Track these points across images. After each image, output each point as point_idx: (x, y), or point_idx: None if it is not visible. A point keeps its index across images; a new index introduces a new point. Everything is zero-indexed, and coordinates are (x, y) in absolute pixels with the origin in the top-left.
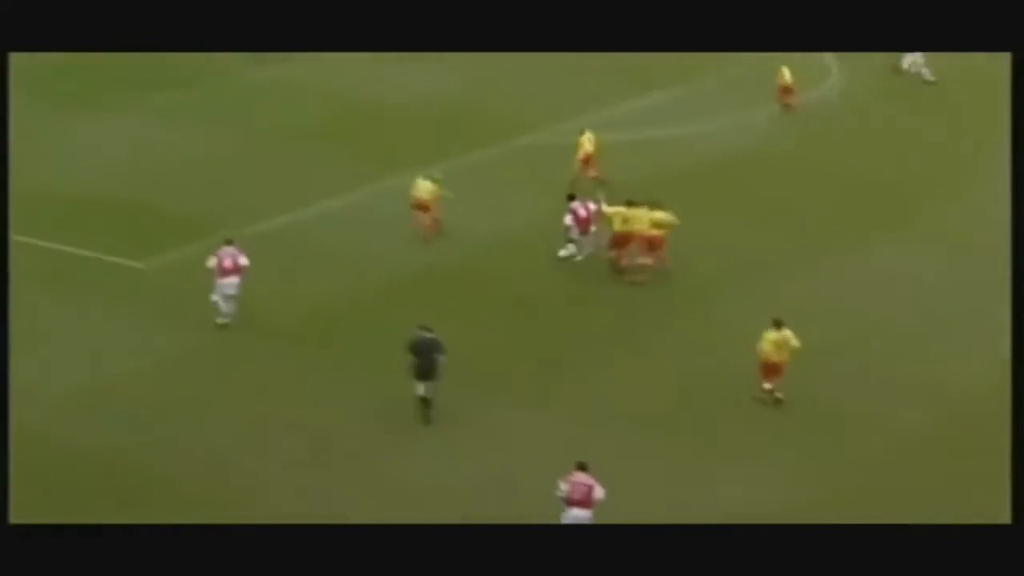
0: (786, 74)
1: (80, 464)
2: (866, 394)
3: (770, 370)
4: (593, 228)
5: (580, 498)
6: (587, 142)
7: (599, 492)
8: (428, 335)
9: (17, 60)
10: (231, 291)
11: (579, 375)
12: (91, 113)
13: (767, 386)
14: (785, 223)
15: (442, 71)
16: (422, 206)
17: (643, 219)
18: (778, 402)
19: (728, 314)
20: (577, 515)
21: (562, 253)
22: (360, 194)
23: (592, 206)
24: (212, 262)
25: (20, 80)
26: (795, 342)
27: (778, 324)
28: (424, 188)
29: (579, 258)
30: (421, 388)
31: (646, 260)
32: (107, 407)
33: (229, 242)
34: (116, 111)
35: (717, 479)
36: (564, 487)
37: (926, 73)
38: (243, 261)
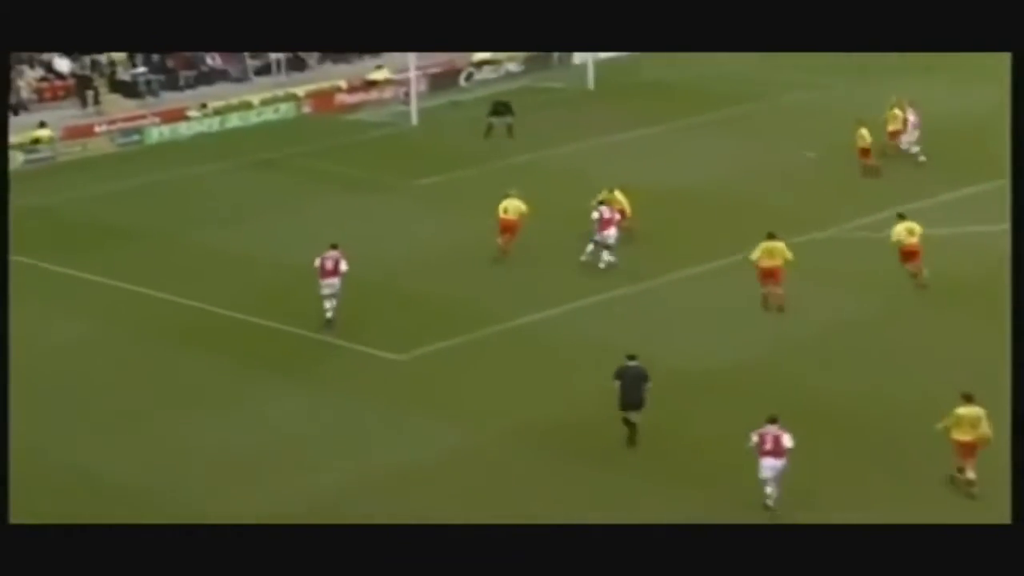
0: (865, 135)
1: None
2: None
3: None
4: (611, 231)
5: (771, 448)
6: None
7: (787, 440)
8: (634, 364)
9: None
10: (328, 291)
11: None
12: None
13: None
14: None
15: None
16: (511, 227)
17: (783, 252)
18: (971, 487)
19: None
20: (771, 464)
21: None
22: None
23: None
24: (316, 263)
25: None
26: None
27: (968, 398)
28: (515, 207)
29: (582, 258)
30: (633, 416)
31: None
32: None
33: (334, 246)
34: None
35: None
36: (755, 438)
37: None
38: (343, 266)
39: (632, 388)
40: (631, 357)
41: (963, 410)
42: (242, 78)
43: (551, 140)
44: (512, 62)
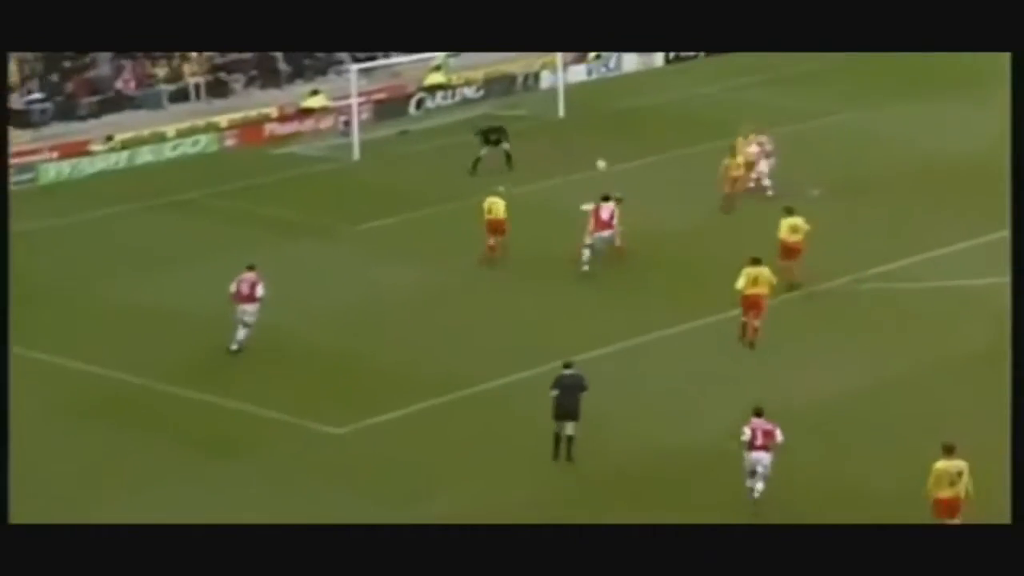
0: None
1: None
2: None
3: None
4: (608, 232)
5: (762, 442)
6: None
7: (779, 435)
8: (572, 371)
9: None
10: (245, 318)
11: None
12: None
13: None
14: None
15: None
16: (498, 226)
17: (769, 279)
18: None
19: None
20: (759, 458)
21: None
22: None
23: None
24: (232, 287)
25: None
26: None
27: (949, 450)
28: (499, 207)
29: (585, 268)
30: (567, 428)
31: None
32: None
33: (251, 268)
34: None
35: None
36: (747, 432)
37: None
38: (260, 291)
39: (568, 396)
40: (567, 365)
41: (942, 464)
42: (154, 105)
43: (517, 176)
44: (469, 86)
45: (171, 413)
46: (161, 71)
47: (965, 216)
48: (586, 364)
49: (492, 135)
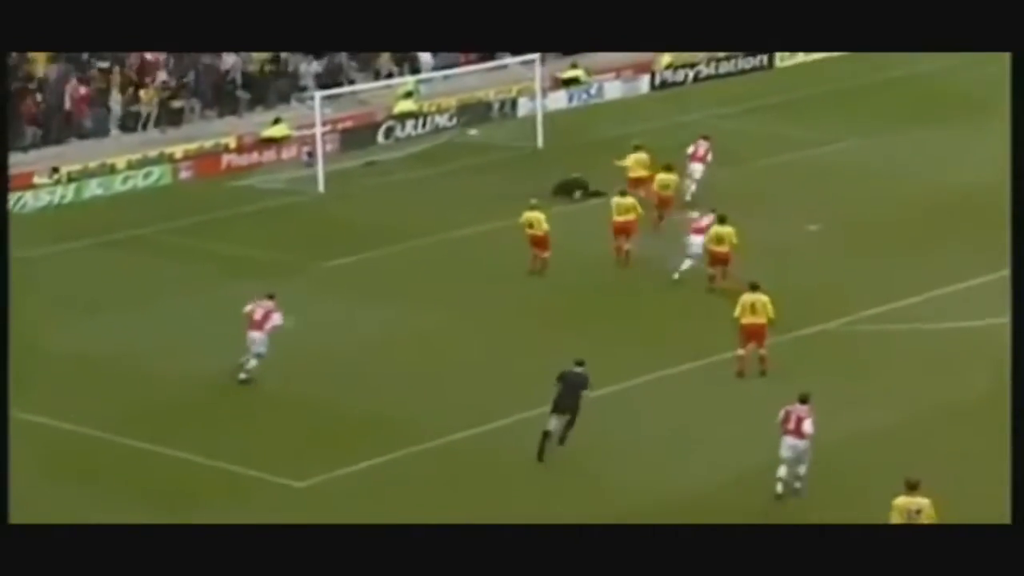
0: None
1: None
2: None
3: None
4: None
5: (794, 427)
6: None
7: (808, 426)
8: (579, 370)
9: None
10: (254, 347)
11: None
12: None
13: None
14: None
15: None
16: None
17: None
18: None
19: None
20: (791, 444)
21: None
22: None
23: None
24: (248, 307)
25: None
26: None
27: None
28: (539, 220)
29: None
30: (552, 421)
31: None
32: None
33: (271, 296)
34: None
35: None
36: (781, 414)
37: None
38: (273, 321)
39: (569, 393)
40: (579, 363)
41: (902, 500)
42: (102, 134)
43: (493, 211)
44: (442, 114)
45: (115, 464)
46: (116, 94)
47: (962, 254)
48: None
49: (571, 187)
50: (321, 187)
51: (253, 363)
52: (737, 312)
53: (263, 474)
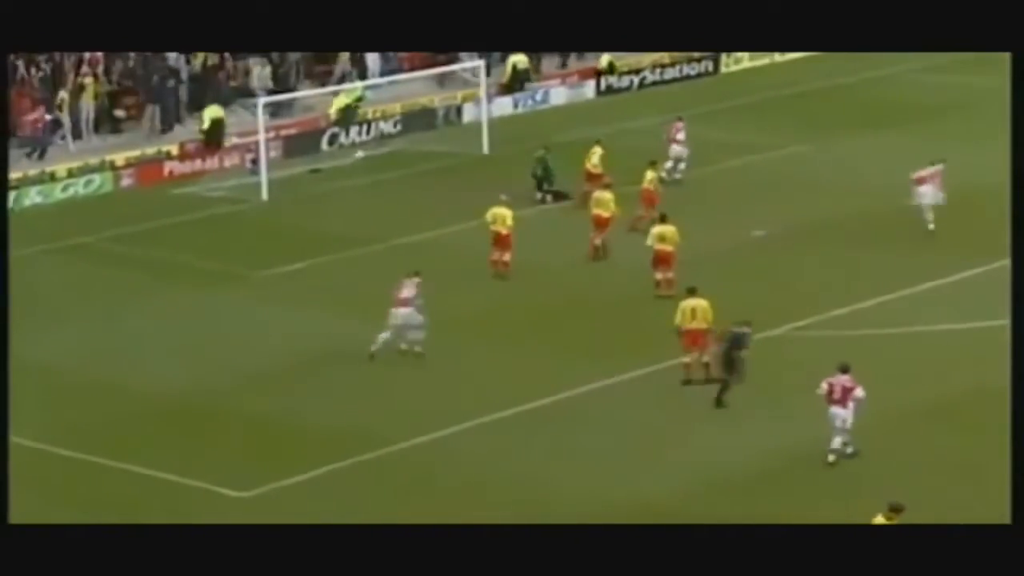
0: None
1: None
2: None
3: None
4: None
5: (839, 397)
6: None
7: (860, 391)
8: (743, 329)
9: None
10: (396, 321)
11: None
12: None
13: None
14: None
15: None
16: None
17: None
18: None
19: None
20: (836, 413)
21: None
22: None
23: None
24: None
25: None
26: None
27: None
28: (505, 217)
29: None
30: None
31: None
32: None
33: (417, 273)
34: None
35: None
36: (824, 386)
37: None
38: (407, 292)
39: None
40: (745, 323)
41: (880, 520)
42: (41, 141)
43: (440, 217)
44: (387, 120)
45: (52, 476)
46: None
47: (915, 259)
48: (518, 419)
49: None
50: (265, 194)
51: (388, 336)
52: (678, 319)
53: (207, 484)
